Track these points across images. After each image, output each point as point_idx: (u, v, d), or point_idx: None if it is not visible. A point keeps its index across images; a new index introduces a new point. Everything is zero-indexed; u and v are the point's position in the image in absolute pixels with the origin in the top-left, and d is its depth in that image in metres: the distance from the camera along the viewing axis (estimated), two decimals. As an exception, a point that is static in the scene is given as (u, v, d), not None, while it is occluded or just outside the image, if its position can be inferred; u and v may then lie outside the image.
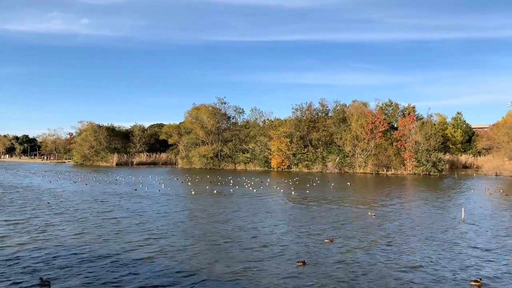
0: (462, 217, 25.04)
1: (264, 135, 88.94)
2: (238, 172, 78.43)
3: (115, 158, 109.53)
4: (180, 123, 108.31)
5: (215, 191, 40.50)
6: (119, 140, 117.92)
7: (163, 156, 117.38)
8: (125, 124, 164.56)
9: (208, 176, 64.04)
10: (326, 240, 18.69)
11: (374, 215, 26.16)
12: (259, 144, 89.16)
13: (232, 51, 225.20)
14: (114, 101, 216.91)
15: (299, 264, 14.92)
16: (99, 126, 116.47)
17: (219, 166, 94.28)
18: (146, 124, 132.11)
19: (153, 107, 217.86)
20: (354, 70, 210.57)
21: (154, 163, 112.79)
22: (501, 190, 42.48)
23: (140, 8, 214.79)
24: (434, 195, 38.84)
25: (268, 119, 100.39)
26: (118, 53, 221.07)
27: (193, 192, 39.65)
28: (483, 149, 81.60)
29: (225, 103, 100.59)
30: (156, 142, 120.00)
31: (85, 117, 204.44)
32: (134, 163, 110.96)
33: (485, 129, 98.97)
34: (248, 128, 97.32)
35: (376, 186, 49.78)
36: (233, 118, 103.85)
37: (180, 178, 60.99)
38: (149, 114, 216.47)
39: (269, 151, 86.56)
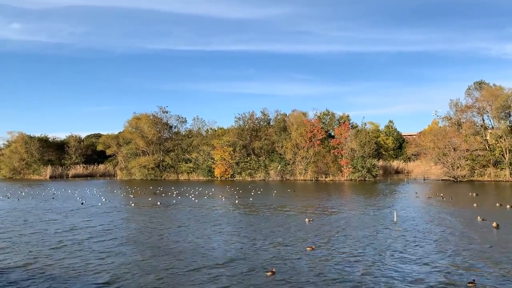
0: (395, 220, 26.96)
1: (207, 145, 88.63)
2: (181, 183, 77.35)
3: (48, 170, 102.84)
4: (119, 133, 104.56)
5: (158, 203, 39.77)
6: (53, 151, 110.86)
7: (101, 167, 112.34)
8: (59, 134, 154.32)
9: (151, 188, 62.51)
10: (308, 248, 19.18)
11: (311, 220, 27.35)
12: (202, 154, 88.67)
13: (175, 60, 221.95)
14: (48, 110, 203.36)
15: (268, 273, 15.11)
16: (31, 137, 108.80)
17: (161, 176, 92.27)
18: (83, 135, 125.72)
19: (91, 116, 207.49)
20: (294, 81, 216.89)
21: (91, 175, 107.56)
22: (427, 195, 46.14)
23: (79, 14, 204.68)
24: (369, 200, 41.24)
25: (211, 128, 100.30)
26: (54, 60, 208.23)
27: (133, 205, 38.61)
28: (412, 155, 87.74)
29: (167, 112, 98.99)
30: (94, 153, 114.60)
31: (15, 128, 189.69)
32: (70, 176, 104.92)
33: (414, 136, 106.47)
34: (190, 137, 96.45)
35: (315, 192, 51.67)
36: (175, 128, 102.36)
37: (120, 190, 58.94)
38: (86, 124, 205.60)
39: (212, 160, 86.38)
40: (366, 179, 73.93)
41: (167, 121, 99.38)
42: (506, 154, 65.98)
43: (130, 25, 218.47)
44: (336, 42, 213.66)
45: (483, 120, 72.62)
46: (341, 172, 77.01)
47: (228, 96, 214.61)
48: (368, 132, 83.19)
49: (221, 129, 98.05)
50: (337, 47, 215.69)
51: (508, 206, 32.69)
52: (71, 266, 16.45)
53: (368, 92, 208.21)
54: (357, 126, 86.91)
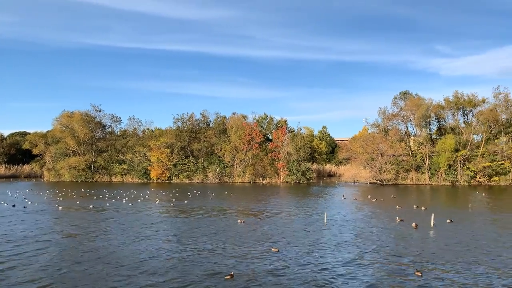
0: (325, 220, 28.46)
1: (143, 146, 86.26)
2: (114, 185, 74.52)
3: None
4: (48, 131, 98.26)
5: (91, 206, 38.15)
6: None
7: (26, 168, 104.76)
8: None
9: (82, 190, 59.51)
10: (273, 249, 19.50)
11: (244, 222, 28.06)
12: (137, 155, 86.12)
13: (113, 56, 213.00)
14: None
15: (227, 277, 15.24)
16: None
17: (93, 178, 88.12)
18: (6, 132, 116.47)
19: (16, 113, 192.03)
20: (235, 83, 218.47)
21: (14, 176, 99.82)
22: (354, 197, 49.04)
23: (10, 3, 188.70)
24: (302, 202, 42.93)
25: (148, 129, 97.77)
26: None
27: (61, 208, 36.66)
28: (344, 159, 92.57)
29: (100, 111, 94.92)
30: (18, 152, 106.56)
31: None
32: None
33: (345, 141, 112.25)
34: (125, 137, 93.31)
35: (252, 194, 52.63)
36: (109, 127, 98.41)
37: (47, 192, 55.45)
38: (10, 121, 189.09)
39: (148, 162, 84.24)
40: (301, 181, 76.61)
41: (101, 120, 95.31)
42: (426, 159, 72.02)
43: (65, 18, 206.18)
44: (277, 48, 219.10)
45: (407, 128, 78.85)
46: (278, 175, 79.09)
47: (168, 96, 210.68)
48: (303, 137, 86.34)
49: (158, 130, 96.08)
50: (278, 53, 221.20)
51: (423, 208, 35.94)
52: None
53: (305, 98, 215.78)
54: (293, 131, 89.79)
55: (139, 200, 44.14)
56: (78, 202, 41.98)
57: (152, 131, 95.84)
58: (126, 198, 46.06)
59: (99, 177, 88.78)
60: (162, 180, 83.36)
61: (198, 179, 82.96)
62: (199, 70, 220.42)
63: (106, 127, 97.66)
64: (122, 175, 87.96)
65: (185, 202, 41.87)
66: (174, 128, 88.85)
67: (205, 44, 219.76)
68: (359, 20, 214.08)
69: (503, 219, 30.01)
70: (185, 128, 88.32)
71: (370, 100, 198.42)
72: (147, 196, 49.08)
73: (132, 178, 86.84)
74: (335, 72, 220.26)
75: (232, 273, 15.59)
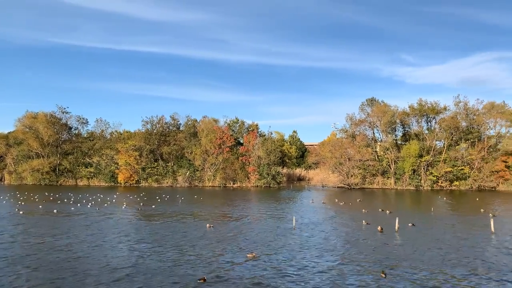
0: (294, 224, 28.87)
1: (110, 148, 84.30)
2: (80, 189, 72.44)
3: None
4: (10, 132, 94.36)
5: (55, 211, 36.97)
6: None
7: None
8: None
9: (46, 193, 57.45)
10: (249, 255, 19.49)
11: (212, 226, 28.08)
12: (104, 158, 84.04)
13: (80, 56, 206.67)
14: None
15: (200, 281, 15.24)
16: None
17: (57, 182, 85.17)
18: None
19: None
20: (207, 87, 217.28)
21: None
22: (322, 201, 49.95)
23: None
24: (272, 206, 43.29)
25: (116, 131, 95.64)
26: None
27: (21, 213, 35.34)
28: (313, 163, 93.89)
29: (67, 113, 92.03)
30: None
31: None
32: None
33: (315, 146, 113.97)
34: (92, 140, 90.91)
35: (222, 198, 52.56)
36: (75, 129, 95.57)
37: (8, 196, 53.17)
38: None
39: (116, 165, 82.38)
40: (271, 185, 77.14)
41: (67, 121, 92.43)
42: (392, 164, 74.25)
43: (32, 16, 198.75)
44: (249, 53, 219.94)
45: (374, 134, 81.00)
46: (248, 178, 79.27)
47: (137, 98, 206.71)
48: (274, 141, 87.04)
49: (127, 132, 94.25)
50: (250, 57, 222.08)
51: (388, 212, 37.11)
52: None
53: (276, 103, 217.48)
54: (264, 135, 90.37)
55: (105, 204, 43.17)
56: (40, 207, 40.58)
57: (121, 134, 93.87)
58: (93, 202, 44.94)
59: (64, 181, 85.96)
60: (130, 184, 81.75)
61: (167, 183, 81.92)
62: (170, 73, 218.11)
63: (72, 129, 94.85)
64: (88, 178, 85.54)
65: (153, 206, 41.36)
66: (143, 130, 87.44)
67: (176, 46, 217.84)
68: (329, 28, 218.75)
69: (463, 222, 31.44)
70: (155, 131, 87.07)
71: (339, 106, 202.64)
72: (114, 200, 48.04)
73: (98, 181, 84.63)
74: (306, 78, 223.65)
75: (205, 277, 15.67)
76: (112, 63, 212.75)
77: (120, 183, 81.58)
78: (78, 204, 43.05)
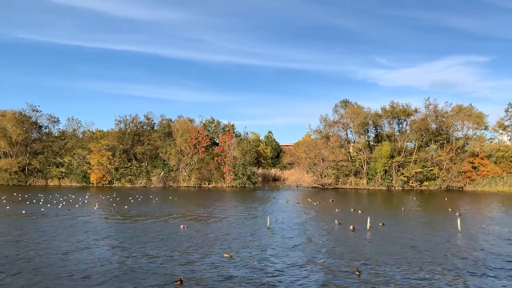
0: (268, 224, 29.15)
1: (82, 148, 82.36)
2: (51, 189, 70.45)
3: None
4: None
5: (24, 211, 35.88)
6: None
7: None
8: None
9: (15, 194, 55.54)
10: (226, 255, 19.50)
11: (186, 227, 28.03)
12: (76, 158, 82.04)
13: (53, 53, 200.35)
14: None
15: (177, 283, 15.15)
16: None
17: (26, 182, 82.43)
18: None
19: None
20: (182, 86, 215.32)
21: None
22: (297, 201, 50.58)
23: None
24: (247, 206, 43.49)
25: (88, 130, 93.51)
26: None
27: (-11, 214, 34.15)
28: (288, 163, 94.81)
29: (37, 111, 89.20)
30: None
31: None
32: None
33: (290, 146, 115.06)
34: (64, 139, 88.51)
35: (197, 199, 52.35)
36: (45, 128, 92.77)
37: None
38: None
39: (88, 165, 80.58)
40: (246, 186, 77.36)
41: (37, 120, 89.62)
42: (364, 165, 75.87)
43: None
44: (226, 53, 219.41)
45: (347, 135, 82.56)
46: (224, 179, 79.18)
47: (110, 97, 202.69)
48: (250, 141, 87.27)
49: (100, 131, 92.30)
50: (226, 58, 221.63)
51: (360, 211, 37.99)
52: None
53: (252, 103, 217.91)
54: (240, 135, 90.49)
55: (77, 205, 42.25)
56: (8, 208, 39.29)
57: (93, 133, 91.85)
58: (63, 203, 43.87)
59: (33, 181, 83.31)
60: (103, 184, 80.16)
61: (141, 183, 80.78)
62: (145, 72, 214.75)
63: (43, 128, 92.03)
64: (59, 178, 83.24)
65: (126, 207, 40.79)
66: (117, 130, 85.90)
67: (152, 45, 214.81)
68: (305, 29, 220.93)
69: (432, 221, 32.57)
70: (128, 130, 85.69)
71: (314, 107, 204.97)
72: (86, 201, 47.07)
73: (70, 181, 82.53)
74: (281, 79, 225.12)
75: (182, 278, 15.67)
76: (85, 61, 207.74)
77: (93, 183, 79.87)
78: (49, 205, 41.93)
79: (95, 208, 40.10)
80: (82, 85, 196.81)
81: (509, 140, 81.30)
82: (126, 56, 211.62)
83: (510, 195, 58.58)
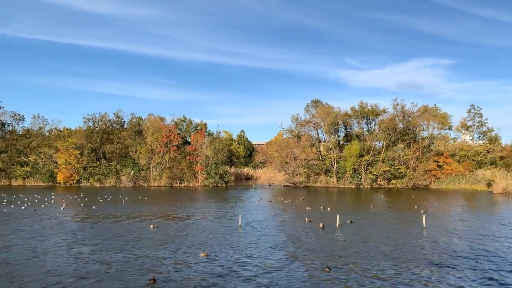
0: (240, 224, 29.29)
1: (49, 146, 79.80)
2: (15, 189, 67.90)
3: None
4: None
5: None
6: None
7: None
8: None
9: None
10: (201, 254, 19.47)
11: (156, 227, 27.82)
12: (42, 157, 79.40)
13: (16, 48, 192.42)
14: None
15: (150, 281, 15.09)
16: None
17: (-12, 182, 79.11)
18: None
19: None
20: (153, 84, 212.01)
21: None
22: (269, 199, 51.02)
23: None
24: (219, 205, 43.48)
25: (55, 129, 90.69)
26: None
27: None
28: (260, 162, 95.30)
29: (0, 108, 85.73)
30: None
31: None
32: None
33: (262, 145, 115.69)
34: (29, 137, 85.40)
35: (168, 199, 51.86)
36: (9, 126, 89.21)
37: None
38: None
39: (55, 164, 78.16)
40: (219, 185, 77.22)
41: (0, 117, 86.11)
42: (334, 164, 77.31)
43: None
44: (198, 51, 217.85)
45: (318, 134, 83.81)
46: (196, 178, 78.71)
47: (78, 94, 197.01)
48: (222, 140, 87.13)
49: (67, 129, 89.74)
50: (198, 56, 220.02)
51: (329, 209, 38.80)
52: None
53: (224, 102, 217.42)
54: (212, 134, 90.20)
55: (42, 205, 40.98)
56: (-31, 209, 37.67)
57: (60, 131, 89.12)
58: (29, 203, 42.45)
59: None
60: (70, 184, 77.97)
61: (110, 182, 79.08)
62: (115, 69, 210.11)
63: (6, 126, 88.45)
64: (24, 178, 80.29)
65: (94, 207, 39.92)
66: (85, 128, 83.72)
67: (123, 41, 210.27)
68: (278, 29, 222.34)
69: (398, 218, 33.67)
70: (97, 128, 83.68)
71: (286, 106, 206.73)
72: (52, 201, 45.70)
73: (35, 181, 79.77)
74: (254, 78, 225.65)
75: (154, 277, 15.60)
76: (52, 57, 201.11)
77: (60, 183, 77.54)
78: (12, 206, 40.46)
79: (62, 208, 39.02)
80: (48, 81, 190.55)
81: (471, 140, 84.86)
82: (96, 52, 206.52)
83: (472, 193, 61.27)
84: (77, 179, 78.38)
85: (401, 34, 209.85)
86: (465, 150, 78.01)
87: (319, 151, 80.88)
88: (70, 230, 26.73)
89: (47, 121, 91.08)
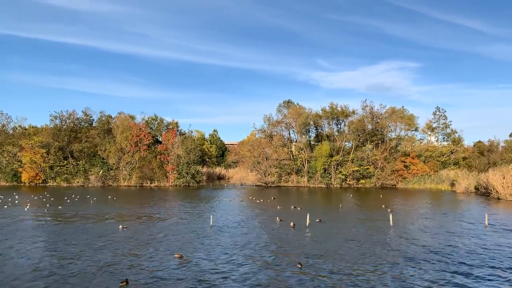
0: (211, 223, 29.32)
1: (13, 145, 76.91)
2: (-25, 189, 65.03)
3: None
4: None
5: None
6: None
7: None
8: None
9: None
10: (176, 256, 19.34)
11: (125, 227, 27.47)
12: (6, 155, 76.43)
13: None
14: None
15: (122, 283, 14.95)
16: None
17: None
18: None
19: None
20: (123, 82, 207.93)
21: None
22: (241, 200, 51.22)
23: None
24: (190, 205, 43.28)
25: (20, 126, 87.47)
26: None
27: None
28: (232, 162, 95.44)
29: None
30: None
31: None
32: None
33: (235, 145, 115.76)
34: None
35: (138, 199, 51.12)
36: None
37: None
38: None
39: (19, 163, 75.39)
40: (190, 184, 76.70)
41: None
42: (305, 163, 78.41)
43: None
44: (170, 49, 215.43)
45: (289, 134, 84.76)
46: (167, 177, 77.87)
47: (45, 91, 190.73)
48: (194, 140, 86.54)
49: (33, 127, 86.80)
50: (171, 54, 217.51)
51: (299, 208, 39.43)
52: None
53: (196, 101, 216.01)
54: (184, 133, 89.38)
55: (5, 206, 39.56)
56: None
57: (25, 129, 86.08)
58: (-10, 204, 40.84)
59: (-46, 180, 76.36)
60: (36, 184, 75.42)
61: (78, 182, 77.05)
62: (84, 65, 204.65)
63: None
64: (-15, 177, 77.09)
65: (60, 207, 38.87)
66: (51, 126, 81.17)
67: (92, 38, 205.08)
68: (251, 29, 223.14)
69: (367, 217, 34.62)
70: (64, 126, 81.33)
71: (258, 106, 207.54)
72: (16, 202, 44.14)
73: (-2, 181, 76.73)
74: (226, 78, 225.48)
75: (127, 279, 15.48)
76: (17, 52, 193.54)
77: (24, 182, 74.89)
78: (-27, 207, 38.83)
79: (26, 209, 37.78)
80: (13, 77, 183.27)
81: (436, 141, 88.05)
82: (64, 48, 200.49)
83: (436, 192, 63.65)
84: (43, 178, 76.00)
85: (371, 37, 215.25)
86: (430, 151, 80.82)
87: (291, 151, 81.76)
88: (37, 231, 25.98)
89: (11, 118, 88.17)
